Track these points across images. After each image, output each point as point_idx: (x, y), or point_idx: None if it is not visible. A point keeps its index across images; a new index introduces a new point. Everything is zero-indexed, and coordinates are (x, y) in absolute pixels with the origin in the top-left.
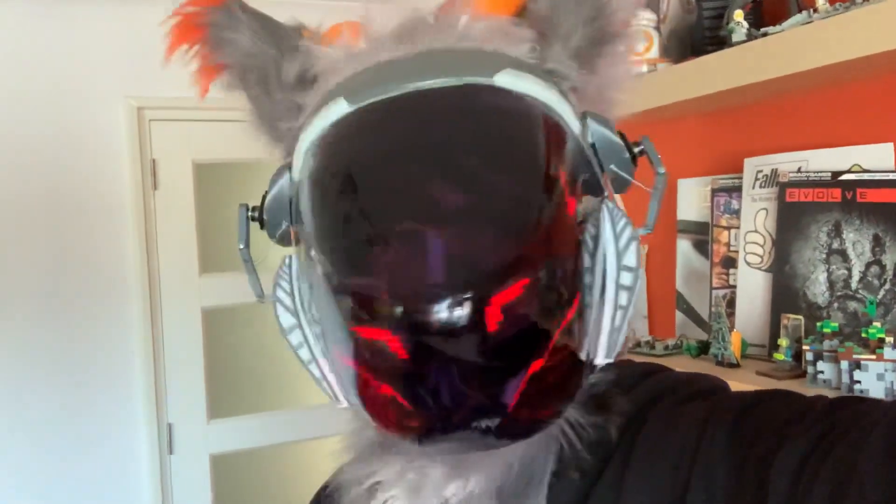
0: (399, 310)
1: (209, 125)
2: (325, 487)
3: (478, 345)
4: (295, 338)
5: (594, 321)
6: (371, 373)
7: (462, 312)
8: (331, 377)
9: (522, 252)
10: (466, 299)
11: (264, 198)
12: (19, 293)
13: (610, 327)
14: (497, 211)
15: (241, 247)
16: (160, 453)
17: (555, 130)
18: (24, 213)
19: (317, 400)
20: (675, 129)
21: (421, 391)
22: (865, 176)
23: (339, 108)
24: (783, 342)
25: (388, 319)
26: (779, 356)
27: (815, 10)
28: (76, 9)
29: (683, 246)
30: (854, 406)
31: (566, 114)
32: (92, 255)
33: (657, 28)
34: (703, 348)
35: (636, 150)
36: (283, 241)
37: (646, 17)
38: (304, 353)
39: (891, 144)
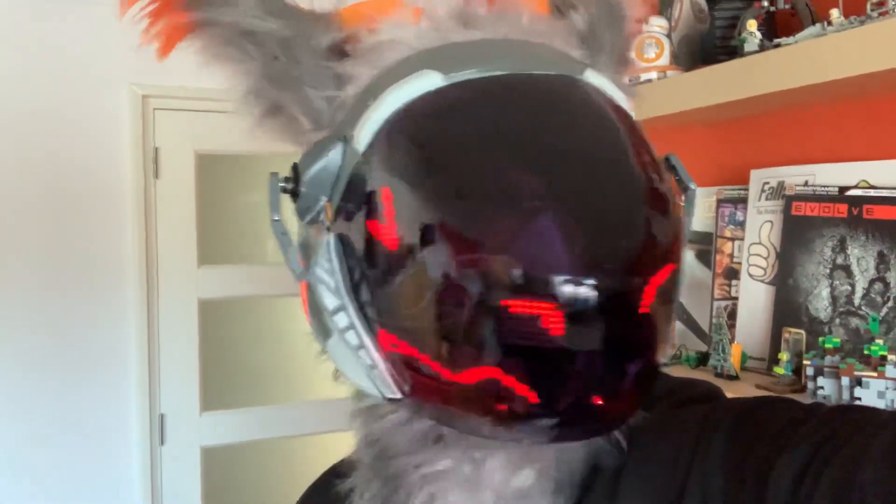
0: (565, 281)
1: (213, 116)
2: (328, 481)
3: (627, 326)
4: (341, 320)
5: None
6: (487, 354)
7: (628, 289)
8: (383, 365)
9: (672, 237)
10: (635, 276)
11: (296, 169)
12: (15, 279)
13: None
14: (649, 194)
15: (276, 218)
16: (151, 444)
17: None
18: (25, 197)
19: (309, 396)
20: (683, 137)
21: (560, 370)
22: (872, 192)
23: (431, 81)
24: (783, 356)
25: (551, 292)
26: (779, 370)
27: (830, 24)
28: None
29: (686, 256)
30: (855, 414)
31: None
32: (90, 242)
33: (668, 35)
34: (702, 359)
35: (666, 164)
36: (313, 217)
37: (657, 24)
38: (352, 338)
39: None
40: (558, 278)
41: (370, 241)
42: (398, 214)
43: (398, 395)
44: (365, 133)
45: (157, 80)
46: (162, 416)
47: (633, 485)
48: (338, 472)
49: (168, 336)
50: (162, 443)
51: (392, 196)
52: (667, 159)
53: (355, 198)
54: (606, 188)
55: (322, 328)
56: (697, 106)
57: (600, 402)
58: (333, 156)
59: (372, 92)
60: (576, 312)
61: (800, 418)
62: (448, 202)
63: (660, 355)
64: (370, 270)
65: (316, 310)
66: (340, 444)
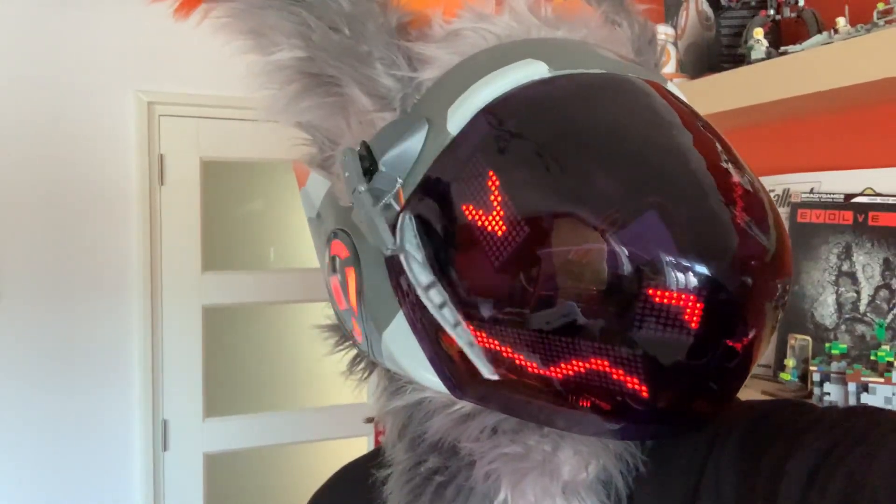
0: (714, 274)
1: (218, 122)
2: (346, 472)
3: (758, 329)
4: (436, 297)
5: None
6: (601, 345)
7: (768, 291)
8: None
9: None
10: (775, 278)
11: (368, 148)
12: (21, 284)
13: None
14: (770, 200)
15: (362, 189)
16: (154, 449)
17: None
18: (30, 203)
19: (312, 402)
20: None
21: (680, 367)
22: (878, 199)
23: (537, 70)
24: (790, 362)
25: (700, 284)
26: (785, 376)
27: (836, 31)
28: (88, 2)
29: None
30: (867, 416)
31: None
32: (95, 249)
33: (674, 43)
34: None
35: None
36: (387, 197)
37: (663, 32)
38: (449, 315)
39: None
40: (704, 272)
41: (466, 225)
42: (507, 200)
43: (494, 376)
44: (458, 117)
45: (162, 86)
46: (165, 423)
47: (648, 485)
48: (352, 475)
49: (171, 342)
50: (165, 449)
51: (499, 181)
52: None
53: (444, 180)
54: (744, 191)
55: (381, 315)
56: (703, 113)
57: (705, 404)
58: (417, 138)
59: (462, 76)
60: (716, 309)
61: (813, 420)
62: (581, 191)
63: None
64: (458, 253)
65: (373, 295)
66: (343, 451)
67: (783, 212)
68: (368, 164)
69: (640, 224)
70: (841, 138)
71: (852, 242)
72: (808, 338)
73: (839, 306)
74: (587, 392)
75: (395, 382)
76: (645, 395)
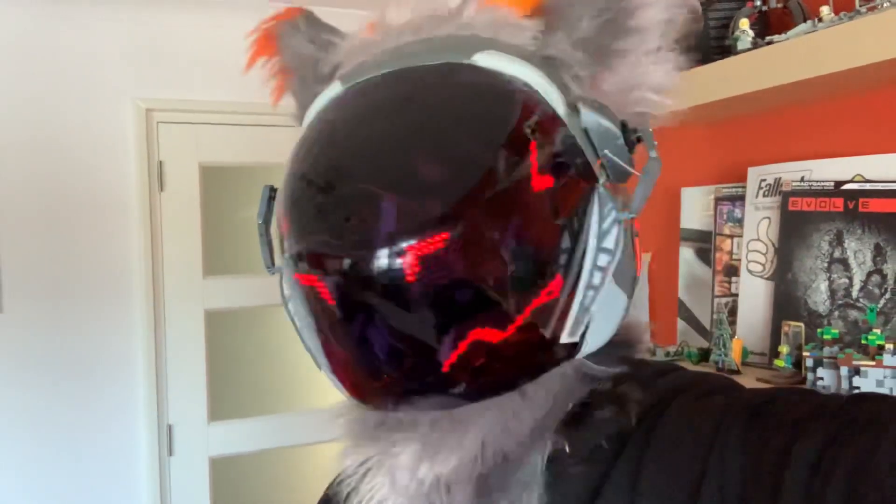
0: (307, 252)
1: (217, 128)
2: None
3: (398, 294)
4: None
5: (565, 299)
6: (323, 330)
7: (370, 257)
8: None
9: (444, 209)
10: (372, 244)
11: None
12: (23, 292)
13: (579, 306)
14: (423, 167)
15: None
16: (160, 454)
17: (526, 107)
18: (30, 211)
19: (317, 404)
20: (679, 137)
21: (350, 340)
22: (868, 186)
23: (332, 91)
24: (784, 349)
25: (313, 264)
26: (779, 363)
27: (820, 20)
28: (86, 9)
29: (686, 254)
30: (872, 402)
31: (550, 95)
32: (96, 256)
33: None
34: (703, 355)
35: (634, 136)
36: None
37: None
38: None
39: (894, 155)
40: (314, 252)
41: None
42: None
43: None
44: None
45: (160, 93)
46: (170, 427)
47: (655, 471)
48: None
49: (175, 347)
50: (170, 453)
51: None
52: (636, 131)
53: None
54: (376, 167)
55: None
56: (693, 105)
57: (413, 371)
58: None
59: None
60: (332, 280)
61: (817, 407)
62: (281, 197)
63: (511, 337)
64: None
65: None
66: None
67: (775, 201)
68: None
69: (283, 217)
70: (830, 126)
71: (843, 229)
72: (802, 324)
73: (832, 292)
74: (347, 379)
75: None
76: (338, 379)
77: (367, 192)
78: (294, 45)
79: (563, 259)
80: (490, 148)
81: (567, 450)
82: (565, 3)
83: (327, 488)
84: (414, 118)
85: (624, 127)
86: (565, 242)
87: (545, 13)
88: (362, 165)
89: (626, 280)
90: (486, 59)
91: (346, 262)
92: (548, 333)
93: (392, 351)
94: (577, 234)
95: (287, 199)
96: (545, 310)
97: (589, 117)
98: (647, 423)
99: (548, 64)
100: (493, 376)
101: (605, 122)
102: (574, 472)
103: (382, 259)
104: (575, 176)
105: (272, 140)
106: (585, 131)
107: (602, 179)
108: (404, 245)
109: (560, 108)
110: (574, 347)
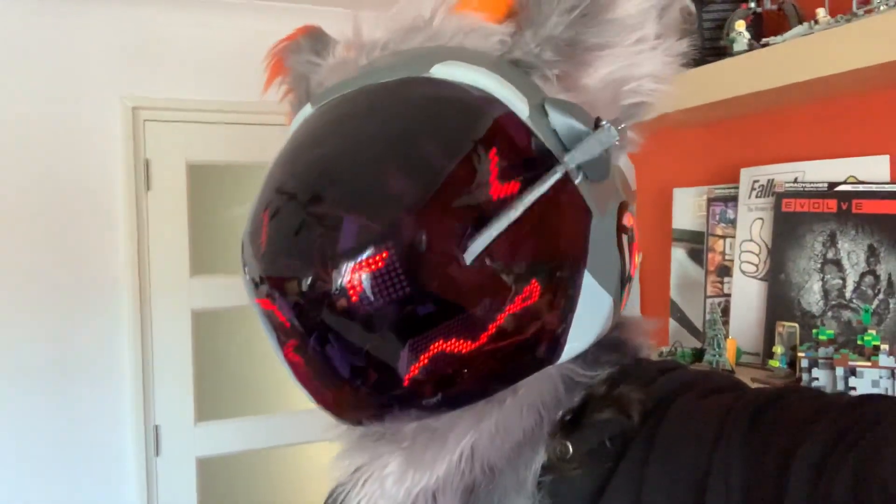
0: (260, 277)
1: (203, 127)
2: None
3: (348, 313)
4: None
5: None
6: (287, 352)
7: (316, 279)
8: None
9: (388, 224)
10: (318, 265)
11: None
12: (8, 292)
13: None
14: (369, 184)
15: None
16: (146, 455)
17: (480, 115)
18: (16, 210)
19: (304, 405)
20: (673, 138)
21: (313, 359)
22: (861, 187)
23: (305, 112)
24: (778, 349)
25: (261, 289)
26: (774, 363)
27: (816, 22)
28: (72, 7)
29: (678, 254)
30: (878, 403)
31: (510, 100)
32: (83, 254)
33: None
34: (697, 356)
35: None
36: None
37: None
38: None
39: (887, 157)
40: (259, 276)
41: None
42: None
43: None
44: None
45: (147, 91)
46: (157, 428)
47: (659, 471)
48: None
49: (162, 347)
50: (157, 454)
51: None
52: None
53: None
54: (318, 186)
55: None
56: (687, 106)
57: (376, 385)
58: None
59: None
60: (279, 303)
61: (821, 408)
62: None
63: (484, 345)
64: None
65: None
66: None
67: (767, 202)
68: None
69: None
70: (823, 128)
71: (837, 230)
72: (796, 325)
73: (825, 293)
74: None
75: None
76: (311, 396)
77: (315, 213)
78: (294, 65)
79: (537, 264)
80: (440, 159)
81: (568, 452)
82: (533, 3)
83: (327, 497)
84: (363, 135)
85: (597, 124)
86: (539, 246)
87: (515, 15)
88: (307, 187)
89: (611, 280)
90: (442, 70)
91: (296, 285)
92: (525, 340)
93: (354, 369)
94: (552, 238)
95: (248, 223)
96: (521, 316)
97: (557, 118)
98: (650, 423)
99: (514, 67)
100: (466, 385)
101: (574, 122)
102: (576, 474)
103: (327, 281)
104: (545, 178)
105: (259, 139)
106: (555, 132)
107: (577, 179)
108: (349, 264)
109: (524, 111)
110: (554, 352)
